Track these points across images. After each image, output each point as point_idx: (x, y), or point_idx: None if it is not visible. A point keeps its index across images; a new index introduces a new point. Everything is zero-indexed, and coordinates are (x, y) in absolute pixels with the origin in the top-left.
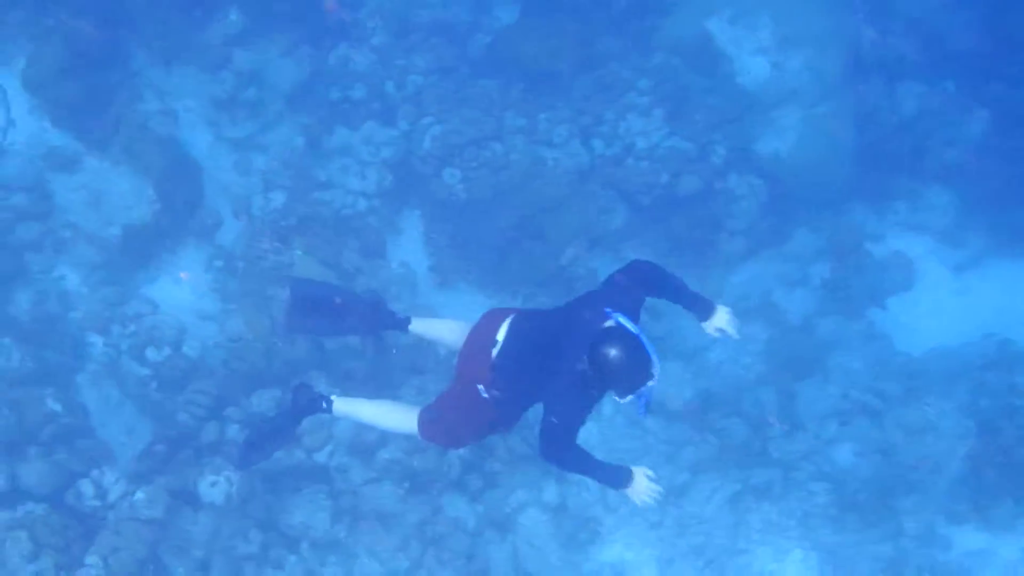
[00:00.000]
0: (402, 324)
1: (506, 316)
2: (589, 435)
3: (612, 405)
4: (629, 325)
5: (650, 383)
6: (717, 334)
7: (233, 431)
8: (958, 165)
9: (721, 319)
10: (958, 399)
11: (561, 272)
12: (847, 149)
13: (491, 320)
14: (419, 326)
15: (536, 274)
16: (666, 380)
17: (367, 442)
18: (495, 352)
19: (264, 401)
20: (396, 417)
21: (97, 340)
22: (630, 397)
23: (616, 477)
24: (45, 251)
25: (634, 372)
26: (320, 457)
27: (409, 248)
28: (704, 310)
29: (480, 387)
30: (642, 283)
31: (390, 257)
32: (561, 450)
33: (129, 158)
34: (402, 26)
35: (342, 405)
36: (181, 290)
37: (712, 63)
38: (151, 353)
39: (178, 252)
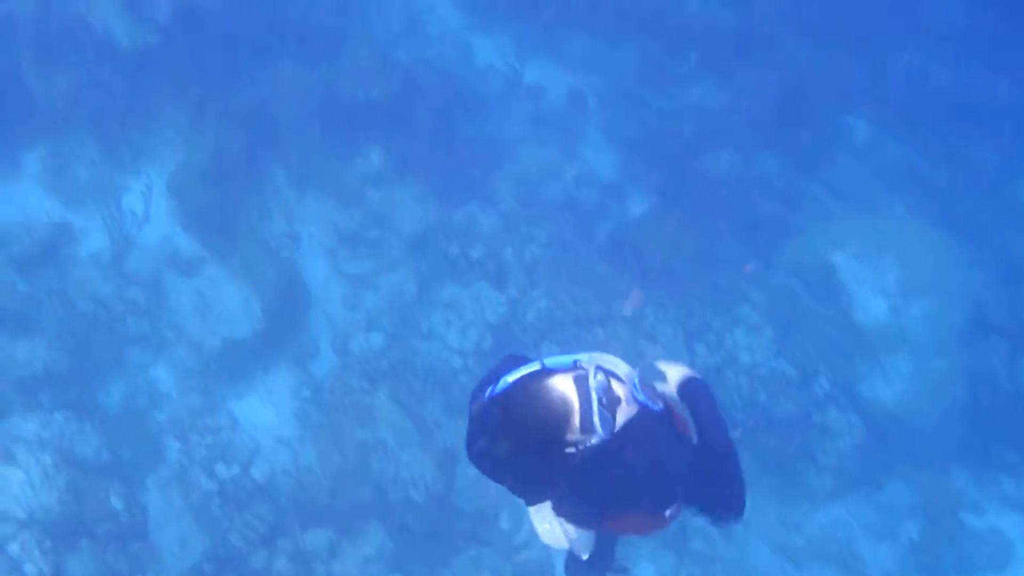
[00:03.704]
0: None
1: None
2: None
3: None
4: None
5: None
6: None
7: (281, 563)
8: None
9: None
10: None
11: None
12: (956, 410)
13: None
14: None
15: None
16: None
17: None
18: None
19: (318, 539)
20: None
21: (174, 445)
22: None
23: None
24: (147, 348)
25: None
26: None
27: None
28: None
29: None
30: None
31: None
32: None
33: (246, 272)
34: (532, 196)
35: None
36: (265, 410)
37: (831, 294)
38: (221, 469)
39: (271, 373)
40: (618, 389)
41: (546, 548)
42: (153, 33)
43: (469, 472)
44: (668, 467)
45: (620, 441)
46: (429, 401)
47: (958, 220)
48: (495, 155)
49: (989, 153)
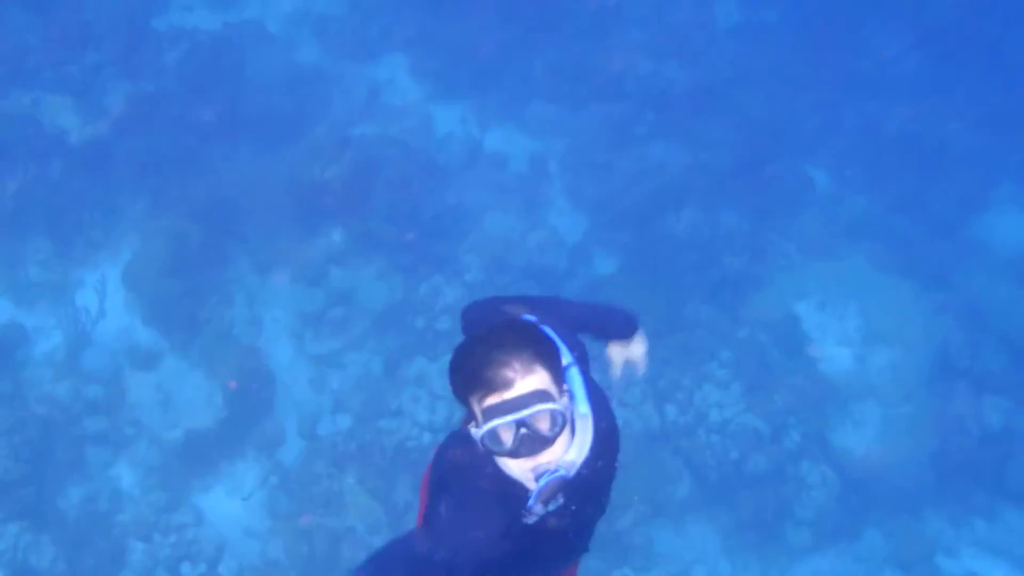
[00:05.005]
0: None
1: None
2: None
3: None
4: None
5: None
6: (619, 369)
7: None
8: None
9: (637, 350)
10: None
11: (616, 539)
12: (926, 455)
13: None
14: None
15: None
16: None
17: None
18: None
19: None
20: None
21: (137, 546)
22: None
23: None
24: (106, 446)
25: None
26: None
27: None
28: (621, 330)
29: None
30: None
31: None
32: None
33: (206, 362)
34: (498, 265)
35: None
36: (232, 502)
37: (796, 345)
38: (186, 568)
39: (236, 463)
40: (551, 454)
41: None
42: (105, 125)
43: None
44: (473, 541)
45: (481, 462)
46: (398, 482)
47: (919, 264)
48: (458, 226)
49: (947, 197)
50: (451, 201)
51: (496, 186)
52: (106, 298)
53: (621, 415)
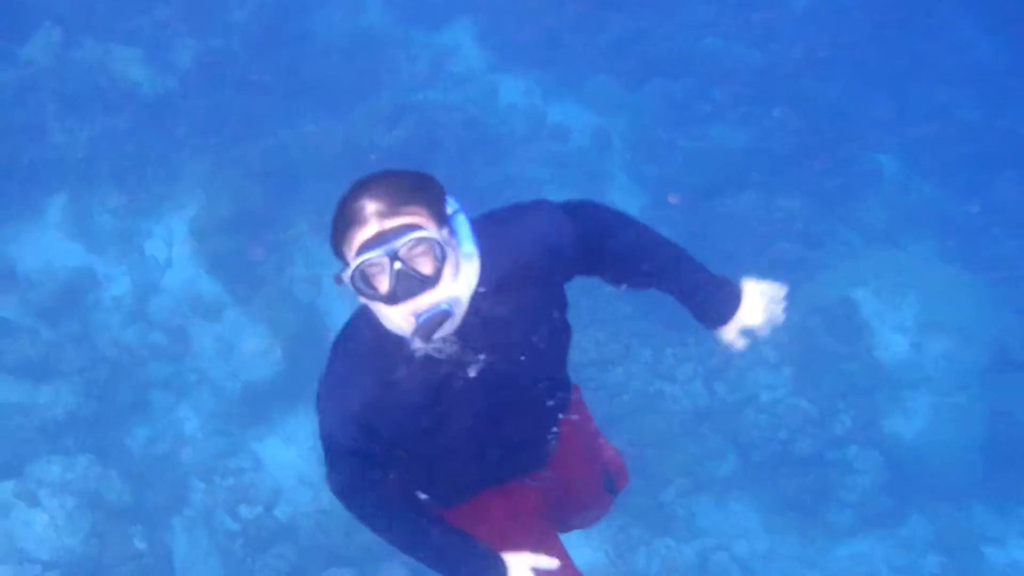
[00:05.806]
0: None
1: None
2: None
3: None
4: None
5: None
6: (739, 341)
7: None
8: None
9: (752, 314)
10: None
11: (658, 509)
12: (976, 445)
13: None
14: None
15: (630, 506)
16: None
17: None
18: None
19: None
20: None
21: (199, 486)
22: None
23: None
24: (170, 391)
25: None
26: None
27: None
28: (719, 310)
29: None
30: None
31: None
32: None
33: (266, 317)
34: None
35: None
36: (286, 452)
37: (851, 331)
38: (244, 509)
39: (291, 415)
40: (433, 295)
41: None
42: (173, 80)
43: None
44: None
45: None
46: None
47: (982, 256)
48: (517, 197)
49: (1015, 188)
50: (511, 172)
51: (557, 159)
52: (173, 249)
53: (668, 390)
